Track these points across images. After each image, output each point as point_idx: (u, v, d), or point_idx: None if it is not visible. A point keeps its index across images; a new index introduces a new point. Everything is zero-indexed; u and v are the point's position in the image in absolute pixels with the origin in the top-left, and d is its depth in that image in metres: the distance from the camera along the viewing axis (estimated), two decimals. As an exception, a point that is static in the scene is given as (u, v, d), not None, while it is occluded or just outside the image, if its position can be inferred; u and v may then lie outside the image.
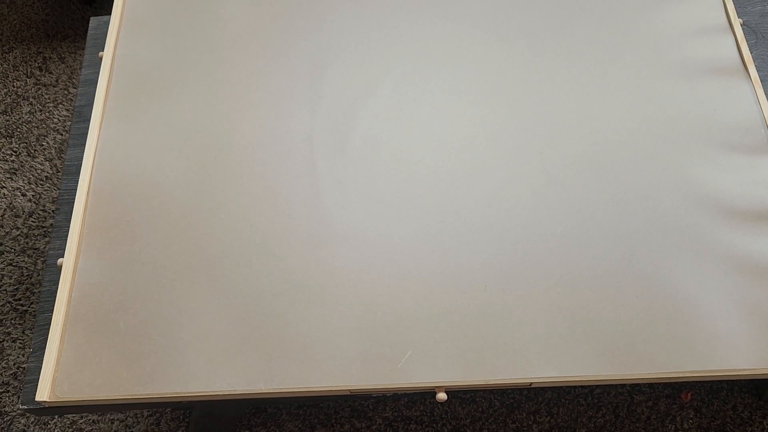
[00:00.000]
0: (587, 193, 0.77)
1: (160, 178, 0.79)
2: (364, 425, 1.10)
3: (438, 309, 0.71)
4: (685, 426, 1.08)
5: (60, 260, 0.75)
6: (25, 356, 1.19)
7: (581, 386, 1.09)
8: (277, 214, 0.76)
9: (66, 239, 0.80)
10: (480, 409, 1.11)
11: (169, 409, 1.13)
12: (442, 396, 0.67)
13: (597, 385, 1.11)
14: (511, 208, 0.77)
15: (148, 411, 1.14)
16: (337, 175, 0.79)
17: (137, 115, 0.84)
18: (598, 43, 0.88)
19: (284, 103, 0.84)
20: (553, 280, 0.72)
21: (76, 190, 0.83)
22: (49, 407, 0.70)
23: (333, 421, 1.11)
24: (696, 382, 1.09)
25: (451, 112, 0.83)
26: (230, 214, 0.77)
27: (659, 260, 0.73)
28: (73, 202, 0.82)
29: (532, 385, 0.68)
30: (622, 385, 1.12)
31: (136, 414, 1.13)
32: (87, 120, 0.88)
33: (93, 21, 0.96)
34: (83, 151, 0.86)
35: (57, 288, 0.77)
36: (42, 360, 0.73)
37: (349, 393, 0.69)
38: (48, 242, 1.30)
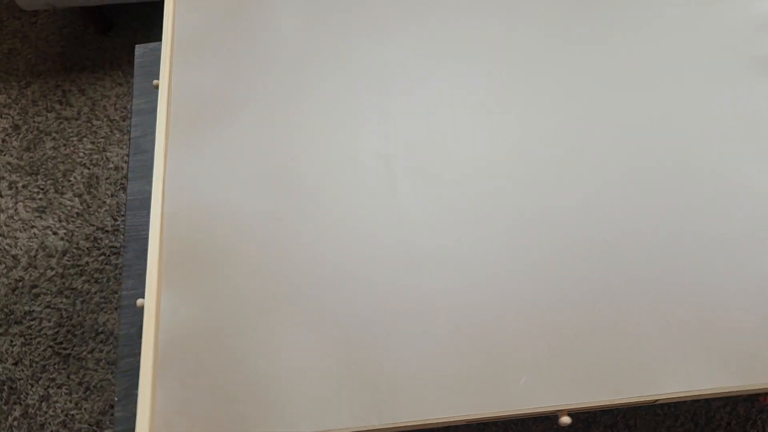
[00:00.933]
0: (683, 197, 0.75)
1: (234, 207, 0.75)
2: (436, 451, 1.06)
3: (548, 327, 0.67)
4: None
5: (140, 301, 0.71)
6: (73, 402, 1.14)
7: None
8: (362, 238, 0.73)
9: (139, 278, 0.76)
10: (555, 426, 1.07)
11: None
12: (565, 420, 0.63)
13: (673, 393, 1.08)
14: (606, 218, 0.74)
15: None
16: (420, 193, 0.75)
17: (202, 144, 0.80)
18: (658, 36, 0.86)
19: (354, 121, 0.81)
20: (664, 289, 0.69)
21: (143, 225, 0.79)
22: (145, 460, 0.65)
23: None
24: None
25: (532, 123, 0.80)
26: (312, 240, 0.73)
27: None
28: (142, 239, 0.78)
29: (657, 402, 0.65)
30: (698, 391, 1.08)
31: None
32: (145, 152, 0.84)
33: (139, 49, 0.92)
34: (145, 184, 0.82)
35: (136, 331, 0.73)
36: (130, 409, 0.69)
37: (465, 423, 0.65)
38: (86, 281, 1.25)
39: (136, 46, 0.92)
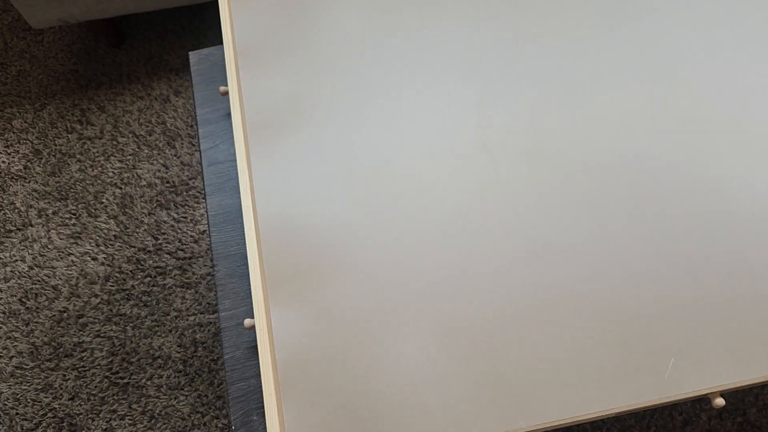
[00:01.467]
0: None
1: (330, 214, 0.71)
2: None
3: (688, 306, 0.64)
4: None
5: (248, 321, 0.67)
6: (139, 432, 1.09)
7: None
8: (473, 233, 0.69)
9: (235, 297, 0.71)
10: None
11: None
12: (719, 402, 0.61)
13: None
14: (721, 189, 0.71)
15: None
16: (528, 180, 0.72)
17: (286, 150, 0.76)
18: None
19: (443, 112, 0.77)
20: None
21: (231, 241, 0.74)
22: (281, 489, 0.61)
23: None
24: None
25: (623, 95, 0.78)
26: (421, 241, 0.69)
27: None
28: (232, 255, 0.74)
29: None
30: None
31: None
32: (219, 162, 0.79)
33: (193, 56, 0.87)
34: (225, 198, 0.77)
35: (242, 353, 0.69)
36: (250, 437, 0.65)
37: (615, 415, 0.62)
38: (134, 305, 1.20)
39: (190, 53, 0.87)
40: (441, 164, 0.73)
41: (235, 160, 0.78)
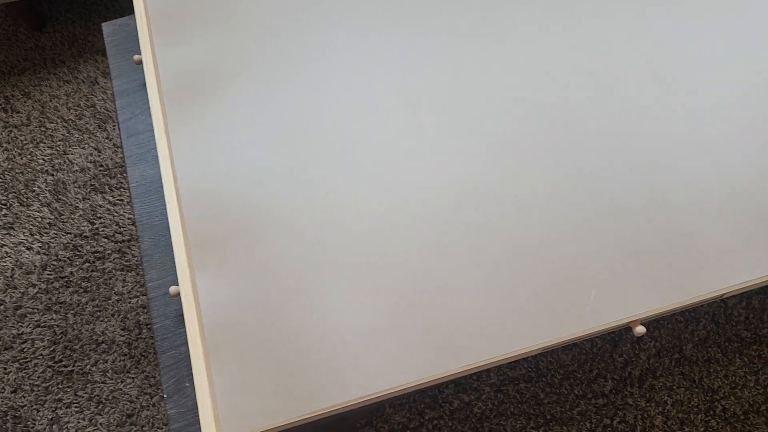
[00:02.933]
0: (711, 91, 0.74)
1: (256, 175, 0.71)
2: (473, 397, 1.05)
3: (611, 239, 0.66)
4: (784, 317, 1.09)
5: (174, 288, 0.66)
6: (86, 419, 1.07)
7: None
8: (401, 183, 0.69)
9: (162, 266, 0.70)
10: (584, 351, 1.08)
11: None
12: (640, 329, 0.63)
13: (691, 299, 1.10)
14: (645, 122, 0.72)
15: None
16: (450, 130, 0.72)
17: (204, 115, 0.74)
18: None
19: (365, 66, 0.77)
20: (728, 185, 0.68)
21: (154, 211, 0.73)
22: (216, 451, 0.61)
23: (440, 401, 1.05)
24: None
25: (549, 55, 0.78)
26: (348, 195, 0.69)
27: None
28: (157, 225, 0.72)
29: (724, 296, 0.65)
30: (713, 293, 1.11)
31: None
32: (137, 133, 0.78)
33: (107, 27, 0.85)
34: (147, 168, 0.75)
35: (171, 322, 0.68)
36: (183, 403, 0.64)
37: (542, 351, 0.63)
38: (74, 292, 1.17)
39: (104, 24, 0.84)
40: (363, 120, 0.73)
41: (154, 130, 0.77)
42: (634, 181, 0.68)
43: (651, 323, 1.09)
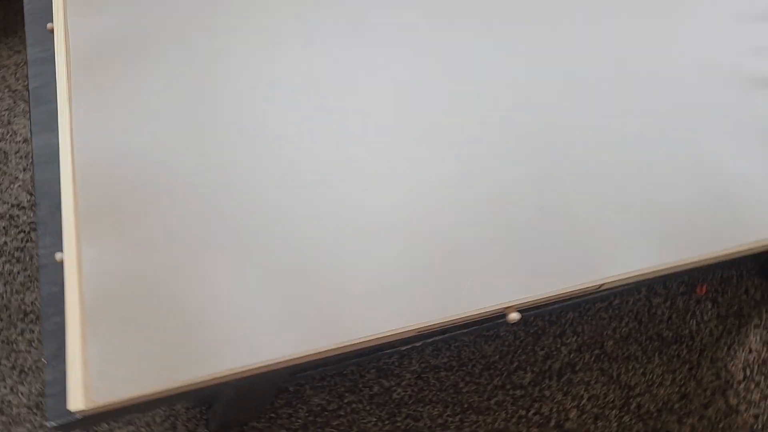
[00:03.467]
0: (616, 89, 0.75)
1: (154, 146, 0.71)
2: (393, 383, 1.06)
3: (491, 227, 0.66)
4: (706, 318, 1.10)
5: (59, 255, 0.66)
6: (8, 388, 1.07)
7: (600, 300, 1.09)
8: (295, 161, 0.70)
9: (57, 234, 0.71)
10: (506, 343, 1.09)
11: (184, 410, 1.05)
12: (514, 316, 0.63)
13: (615, 296, 1.11)
14: (543, 109, 0.73)
15: (161, 416, 1.05)
16: (350, 109, 0.73)
17: (111, 85, 0.74)
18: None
19: (273, 43, 0.77)
20: (601, 177, 0.69)
21: (54, 179, 0.73)
22: (85, 417, 0.61)
23: (360, 385, 1.06)
24: (708, 272, 1.11)
25: (460, 30, 0.79)
26: (243, 170, 0.69)
27: (695, 141, 0.71)
28: (55, 194, 0.73)
29: (602, 288, 0.66)
30: (638, 291, 1.12)
31: (148, 422, 1.05)
32: (48, 101, 0.78)
33: (27, -6, 0.85)
34: (53, 137, 0.76)
35: (59, 289, 0.68)
36: (61, 369, 0.65)
37: (417, 333, 0.64)
38: (6, 262, 1.18)
39: (23, -8, 0.84)
40: (266, 97, 0.73)
41: (62, 99, 0.77)
42: (522, 169, 0.69)
43: (575, 319, 1.10)
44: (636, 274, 0.64)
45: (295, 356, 0.62)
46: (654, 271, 0.65)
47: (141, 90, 0.74)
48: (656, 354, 1.07)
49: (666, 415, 1.03)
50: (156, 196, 0.68)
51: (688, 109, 0.73)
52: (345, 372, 1.07)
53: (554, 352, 1.08)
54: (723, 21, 0.78)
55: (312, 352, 0.62)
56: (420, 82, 0.75)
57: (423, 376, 1.07)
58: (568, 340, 1.08)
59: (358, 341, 0.62)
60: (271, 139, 0.71)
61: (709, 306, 1.11)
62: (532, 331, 1.09)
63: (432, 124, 0.72)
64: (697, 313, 1.10)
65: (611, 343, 1.08)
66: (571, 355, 1.07)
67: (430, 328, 0.63)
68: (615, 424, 1.02)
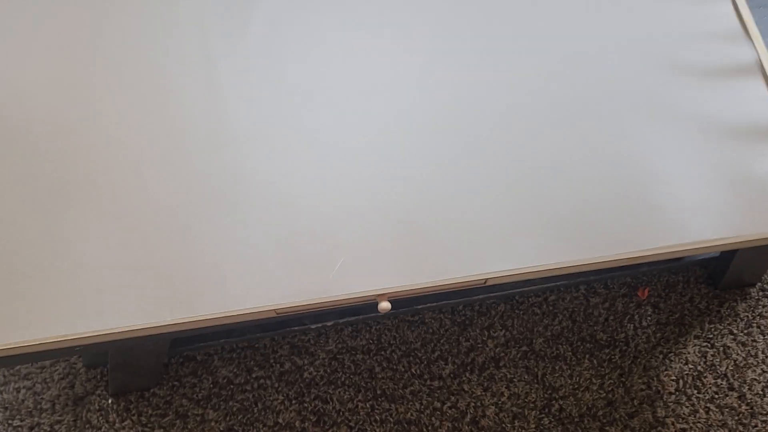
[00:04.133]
0: (529, 70, 0.67)
1: (12, 89, 0.64)
2: (306, 361, 1.01)
3: (370, 208, 0.60)
4: (644, 323, 1.03)
5: None
6: None
7: (535, 295, 1.02)
8: (169, 114, 0.63)
9: None
10: (430, 331, 1.03)
11: (84, 369, 1.00)
12: (385, 305, 0.57)
13: (552, 292, 1.05)
14: (449, 89, 0.66)
15: (60, 374, 1.01)
16: (238, 62, 0.66)
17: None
18: None
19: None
20: (502, 168, 0.62)
21: None
22: None
23: (272, 361, 1.01)
24: (653, 275, 1.05)
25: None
26: (110, 118, 0.63)
27: (616, 132, 0.64)
28: None
29: (487, 283, 0.59)
30: (577, 289, 1.06)
31: (46, 378, 1.00)
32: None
33: None
34: None
35: None
36: None
37: (275, 314, 0.58)
38: None
39: None
40: (148, 37, 0.66)
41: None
42: (417, 155, 0.62)
43: (506, 312, 1.04)
44: (524, 271, 0.58)
45: (130, 329, 0.56)
46: (547, 269, 0.59)
47: (13, 23, 0.67)
48: (586, 356, 1.01)
49: (588, 422, 0.97)
50: (12, 139, 0.62)
51: (610, 96, 0.66)
52: (257, 345, 1.02)
53: (479, 345, 1.02)
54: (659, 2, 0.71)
55: (152, 326, 0.56)
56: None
57: (338, 357, 1.01)
58: (496, 334, 1.03)
59: (204, 318, 0.56)
60: (145, 88, 0.64)
61: (650, 311, 1.04)
62: (459, 320, 1.03)
63: (316, 86, 0.65)
64: (636, 317, 1.04)
65: (541, 340, 1.02)
66: (497, 350, 1.02)
67: (290, 310, 0.57)
68: (533, 426, 0.97)
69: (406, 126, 0.62)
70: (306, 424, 0.97)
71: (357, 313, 0.96)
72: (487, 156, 0.61)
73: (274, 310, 0.56)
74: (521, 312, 1.04)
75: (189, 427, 0.96)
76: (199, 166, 0.61)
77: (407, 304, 0.97)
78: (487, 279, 0.58)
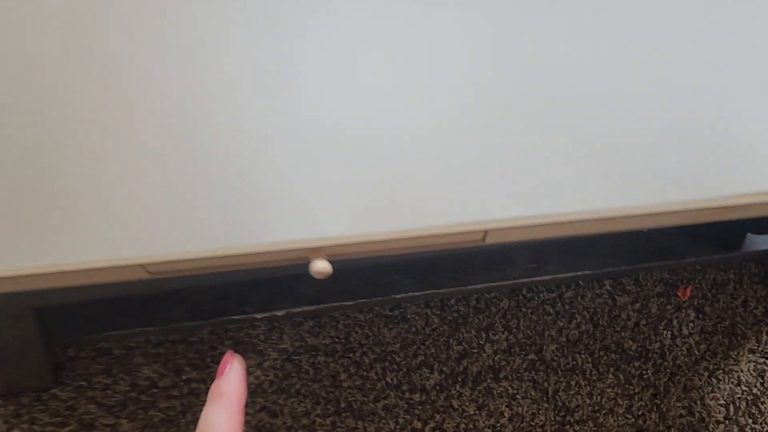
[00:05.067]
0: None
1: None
2: (252, 363, 0.79)
3: (314, 129, 0.39)
4: (685, 331, 0.81)
5: None
6: None
7: (548, 289, 0.81)
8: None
9: None
10: (413, 329, 0.81)
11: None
12: (321, 266, 0.35)
13: (568, 287, 0.83)
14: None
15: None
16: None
17: None
18: None
19: None
20: (529, 89, 0.41)
21: None
22: None
23: (208, 359, 0.79)
24: (696, 271, 0.83)
25: None
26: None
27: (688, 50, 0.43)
28: None
29: (486, 240, 0.38)
30: (601, 285, 0.84)
31: None
32: None
33: None
34: None
35: None
36: None
37: (149, 276, 0.36)
38: None
39: None
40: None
41: None
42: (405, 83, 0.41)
43: (509, 310, 0.82)
44: (547, 220, 0.36)
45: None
46: (587, 218, 0.37)
47: None
48: (611, 370, 0.79)
49: (611, 455, 0.75)
50: None
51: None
52: (191, 339, 0.80)
53: (474, 350, 0.80)
54: None
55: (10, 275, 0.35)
56: None
57: (294, 358, 0.79)
58: (496, 336, 0.81)
59: (30, 271, 0.35)
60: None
61: (693, 316, 0.82)
62: (450, 318, 0.82)
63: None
64: (675, 323, 0.82)
65: (553, 347, 0.80)
66: (497, 357, 0.80)
67: (167, 271, 0.36)
68: (540, 457, 0.75)
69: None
70: (245, 443, 0.75)
71: (318, 302, 0.74)
72: (495, 67, 0.40)
73: (143, 264, 0.35)
74: (529, 310, 0.82)
75: (93, 440, 0.74)
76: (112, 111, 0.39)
77: (384, 292, 0.76)
78: (487, 231, 0.36)
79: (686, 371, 0.79)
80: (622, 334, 0.81)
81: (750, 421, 0.77)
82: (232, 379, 0.35)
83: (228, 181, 0.36)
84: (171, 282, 0.73)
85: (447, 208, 0.37)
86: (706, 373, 0.79)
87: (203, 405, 0.36)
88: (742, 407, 0.78)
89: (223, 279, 0.72)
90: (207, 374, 0.78)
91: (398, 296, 0.74)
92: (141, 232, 0.35)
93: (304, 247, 0.35)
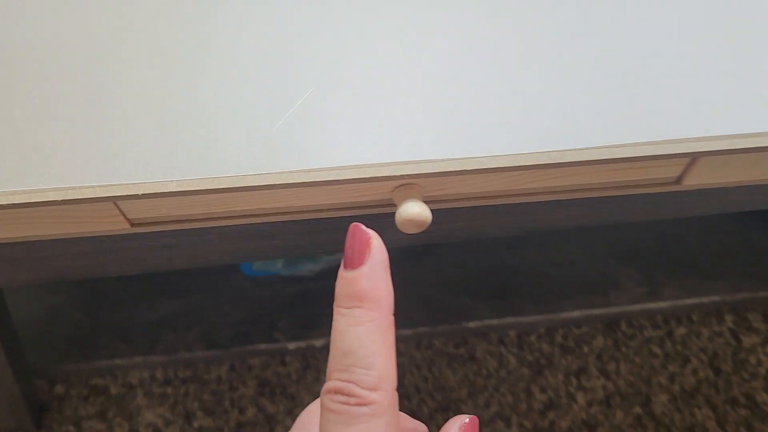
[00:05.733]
0: None
1: None
2: (281, 408, 0.63)
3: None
4: (838, 382, 0.63)
5: None
6: None
7: (653, 325, 0.64)
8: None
9: None
10: (484, 372, 0.65)
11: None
12: (413, 209, 0.20)
13: (679, 322, 0.66)
14: None
15: None
16: None
17: None
18: None
19: None
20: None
21: None
22: None
23: (227, 403, 0.63)
24: None
25: None
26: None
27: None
28: None
29: (682, 185, 0.23)
30: (720, 322, 0.66)
31: None
32: None
33: None
34: None
35: None
36: None
37: (130, 226, 0.22)
38: None
39: None
40: None
41: None
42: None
43: (605, 350, 0.65)
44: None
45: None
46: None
47: None
48: (741, 430, 0.62)
49: None
50: None
51: None
52: (207, 378, 0.64)
53: (562, 400, 0.63)
54: None
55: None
56: None
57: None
58: (590, 383, 0.64)
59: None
60: None
61: None
62: (531, 358, 0.65)
63: None
64: (823, 370, 0.64)
65: (664, 399, 0.63)
66: (592, 410, 0.63)
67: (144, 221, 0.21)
68: None
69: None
70: None
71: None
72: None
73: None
74: (631, 350, 0.65)
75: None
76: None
77: (451, 319, 0.60)
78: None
79: (843, 435, 0.61)
80: (753, 383, 0.63)
81: None
82: (377, 269, 0.19)
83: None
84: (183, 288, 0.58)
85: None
86: None
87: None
88: None
89: (245, 295, 0.57)
90: (224, 422, 0.62)
91: (469, 325, 0.58)
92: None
93: (393, 175, 0.20)
